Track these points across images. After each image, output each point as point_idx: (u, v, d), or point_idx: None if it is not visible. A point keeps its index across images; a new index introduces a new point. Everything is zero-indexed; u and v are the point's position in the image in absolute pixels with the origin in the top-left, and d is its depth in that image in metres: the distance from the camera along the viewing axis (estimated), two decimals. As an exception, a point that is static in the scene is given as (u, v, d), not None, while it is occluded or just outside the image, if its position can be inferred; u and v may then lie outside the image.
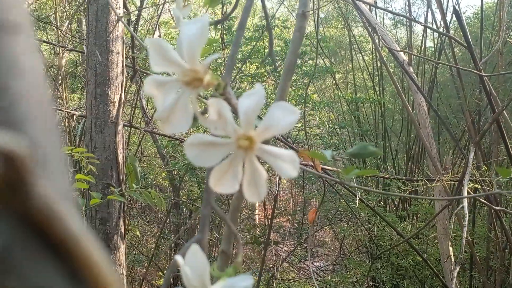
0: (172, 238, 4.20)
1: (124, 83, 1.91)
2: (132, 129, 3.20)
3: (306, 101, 3.75)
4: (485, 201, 2.40)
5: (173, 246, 4.37)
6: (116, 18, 1.89)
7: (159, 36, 3.97)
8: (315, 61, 3.28)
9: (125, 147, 1.97)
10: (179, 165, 3.88)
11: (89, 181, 1.27)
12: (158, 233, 4.07)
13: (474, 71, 2.09)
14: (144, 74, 2.63)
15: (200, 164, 0.36)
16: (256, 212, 5.48)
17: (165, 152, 3.98)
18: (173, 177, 4.05)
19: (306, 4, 0.75)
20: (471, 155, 1.87)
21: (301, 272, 4.91)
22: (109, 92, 1.90)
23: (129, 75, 2.80)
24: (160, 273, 4.53)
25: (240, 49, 3.90)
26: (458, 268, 1.60)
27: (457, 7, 2.47)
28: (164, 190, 5.09)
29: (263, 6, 0.56)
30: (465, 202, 1.67)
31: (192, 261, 0.34)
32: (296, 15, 0.75)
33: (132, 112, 3.63)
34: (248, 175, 0.37)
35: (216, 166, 0.36)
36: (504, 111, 2.18)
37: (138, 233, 3.16)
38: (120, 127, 1.92)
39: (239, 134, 0.36)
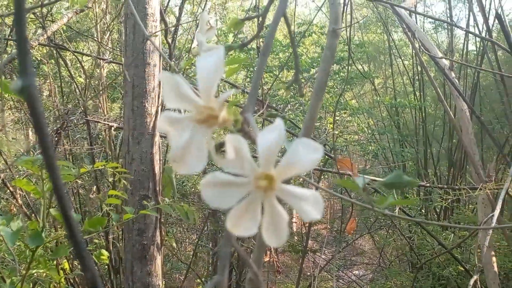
0: (210, 245, 4.22)
1: (161, 95, 1.93)
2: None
3: (344, 107, 3.71)
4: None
5: (211, 253, 4.39)
6: (153, 30, 1.92)
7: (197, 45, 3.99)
8: (347, 67, 3.22)
9: (161, 159, 1.99)
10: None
11: (126, 191, 1.28)
12: (196, 240, 4.09)
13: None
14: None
15: (217, 206, 0.34)
16: (294, 219, 5.44)
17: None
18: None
19: (338, 20, 0.73)
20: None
21: (340, 280, 4.84)
22: (146, 104, 1.92)
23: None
24: (198, 280, 4.56)
25: (277, 56, 3.89)
26: (476, 277, 1.54)
27: (499, 11, 2.38)
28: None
29: (287, 25, 0.54)
30: (497, 212, 1.63)
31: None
32: (327, 32, 0.74)
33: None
34: (267, 217, 0.35)
35: (234, 207, 0.35)
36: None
37: (174, 244, 3.18)
38: (157, 138, 1.94)
39: (258, 173, 0.34)
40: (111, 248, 2.67)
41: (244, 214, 0.35)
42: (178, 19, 2.92)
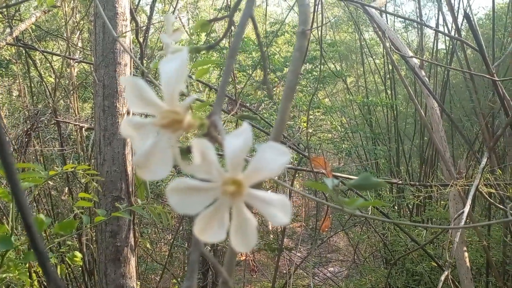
0: (185, 245, 4.19)
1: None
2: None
3: (317, 106, 3.73)
4: (501, 207, 2.36)
5: (186, 253, 4.36)
6: (123, 30, 1.89)
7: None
8: (319, 66, 3.24)
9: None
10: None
11: (98, 194, 1.26)
12: (171, 240, 4.07)
13: (486, 75, 2.05)
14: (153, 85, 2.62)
15: (184, 211, 0.33)
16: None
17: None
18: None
19: (307, 22, 0.73)
20: (484, 161, 1.84)
21: (315, 278, 4.87)
22: (117, 104, 1.89)
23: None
24: (174, 280, 4.53)
25: (250, 55, 3.89)
26: (447, 272, 1.58)
27: (468, 10, 2.43)
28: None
29: (255, 27, 0.54)
30: (467, 209, 1.67)
31: None
32: (296, 33, 0.74)
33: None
34: (235, 223, 0.34)
35: (201, 213, 0.34)
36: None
37: (148, 245, 3.15)
38: (129, 139, 1.92)
39: (226, 178, 0.33)
40: (84, 250, 2.64)
41: (212, 220, 0.34)
42: (150, 18, 2.90)
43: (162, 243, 5.03)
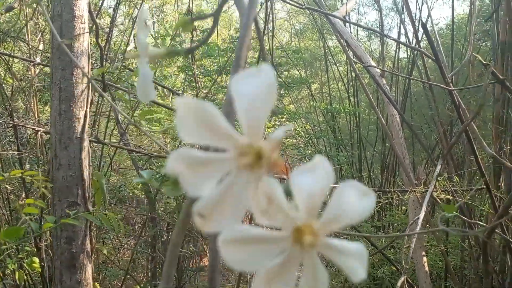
0: (149, 251, 4.15)
1: (89, 99, 1.88)
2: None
3: (281, 112, 3.76)
4: (459, 214, 2.42)
5: (150, 259, 4.32)
6: (81, 32, 1.87)
7: (135, 48, 3.94)
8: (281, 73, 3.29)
9: (91, 164, 1.94)
10: (155, 177, 3.83)
11: (48, 199, 1.24)
12: (134, 245, 4.02)
13: (442, 86, 2.11)
14: (114, 88, 2.60)
15: (243, 268, 0.28)
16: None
17: (140, 164, 3.94)
18: (149, 189, 4.01)
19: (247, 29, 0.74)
20: (438, 168, 1.89)
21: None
22: (74, 108, 1.86)
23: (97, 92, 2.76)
24: (137, 286, 4.48)
25: (216, 60, 3.90)
26: (403, 278, 1.62)
27: (425, 21, 2.50)
28: (141, 202, 5.03)
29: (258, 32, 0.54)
30: (422, 215, 1.71)
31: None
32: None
33: (106, 124, 3.59)
34: (307, 278, 0.29)
35: (265, 269, 0.28)
36: (473, 123, 2.20)
37: (105, 251, 3.11)
38: (85, 143, 1.89)
39: (297, 226, 0.28)
40: (43, 255, 2.58)
41: (278, 276, 0.28)
42: (112, 21, 2.87)
43: (126, 249, 4.96)
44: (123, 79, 2.74)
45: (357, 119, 4.26)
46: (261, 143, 0.28)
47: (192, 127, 0.27)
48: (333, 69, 4.75)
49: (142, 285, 4.21)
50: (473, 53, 1.77)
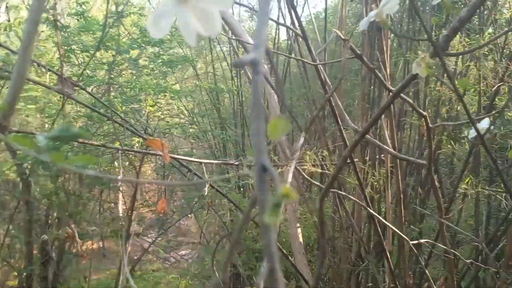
0: (23, 236, 3.95)
1: None
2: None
3: (164, 90, 3.75)
4: (317, 183, 2.59)
5: (26, 244, 4.11)
6: None
7: (8, 20, 3.69)
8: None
9: None
10: (29, 158, 3.64)
11: None
12: (5, 230, 3.81)
13: (308, 61, 2.23)
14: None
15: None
16: (120, 204, 5.36)
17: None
18: (24, 171, 3.80)
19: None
20: (301, 141, 2.01)
21: (167, 262, 4.91)
22: None
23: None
24: (15, 273, 4.27)
25: (94, 35, 3.78)
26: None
27: (303, 4, 2.63)
28: (17, 185, 4.76)
29: None
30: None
31: None
32: None
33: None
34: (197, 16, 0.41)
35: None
36: (338, 99, 2.35)
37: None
38: None
39: None
40: None
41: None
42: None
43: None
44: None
45: (241, 98, 4.35)
46: None
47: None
48: (217, 49, 4.80)
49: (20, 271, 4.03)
50: (334, 30, 1.88)
